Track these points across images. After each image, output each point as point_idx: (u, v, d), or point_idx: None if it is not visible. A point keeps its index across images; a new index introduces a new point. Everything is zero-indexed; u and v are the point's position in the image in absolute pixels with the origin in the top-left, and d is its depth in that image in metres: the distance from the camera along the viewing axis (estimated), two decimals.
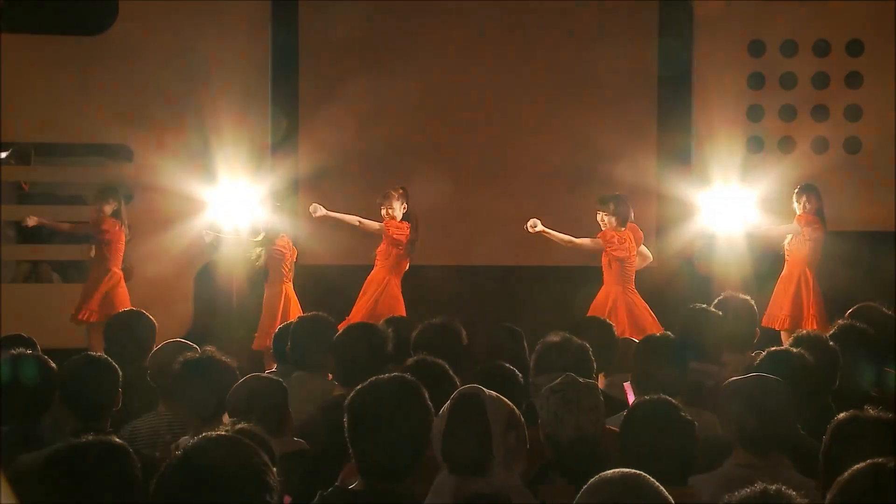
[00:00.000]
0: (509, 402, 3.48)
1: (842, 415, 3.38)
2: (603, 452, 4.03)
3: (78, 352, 4.81)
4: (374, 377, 3.37)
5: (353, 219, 8.80)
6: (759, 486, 2.61)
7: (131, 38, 10.29)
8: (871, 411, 3.37)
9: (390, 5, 10.56)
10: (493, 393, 3.45)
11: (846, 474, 2.71)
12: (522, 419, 3.48)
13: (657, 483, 2.74)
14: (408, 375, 3.52)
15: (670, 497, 2.74)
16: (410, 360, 4.35)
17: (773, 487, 2.62)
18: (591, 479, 2.75)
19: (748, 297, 6.20)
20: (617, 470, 2.77)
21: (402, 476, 3.25)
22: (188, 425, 4.55)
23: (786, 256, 9.13)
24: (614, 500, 2.69)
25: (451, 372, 4.20)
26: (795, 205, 9.05)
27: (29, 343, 5.31)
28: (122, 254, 9.18)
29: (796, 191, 9.11)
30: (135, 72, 10.26)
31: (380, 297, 8.71)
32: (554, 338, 4.96)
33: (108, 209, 9.13)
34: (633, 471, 2.77)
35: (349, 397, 3.32)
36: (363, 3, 10.45)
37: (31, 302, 9.67)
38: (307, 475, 4.08)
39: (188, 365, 4.64)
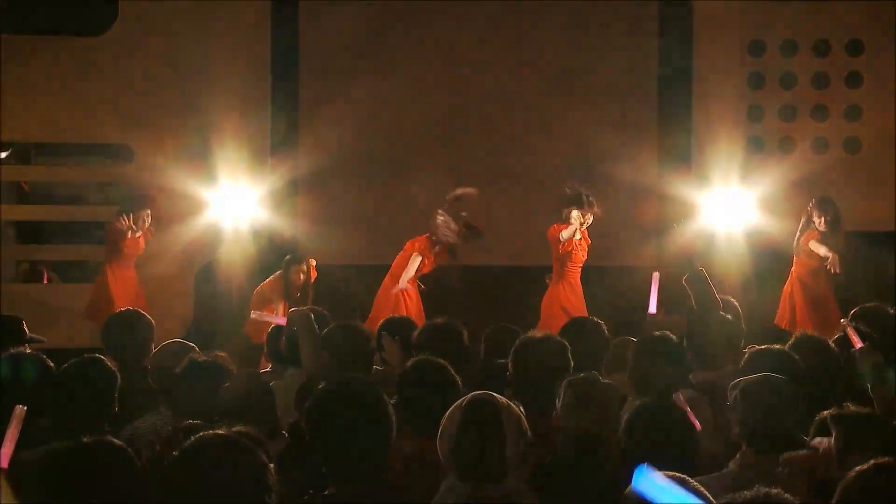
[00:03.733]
0: (517, 408, 3.43)
1: (825, 412, 3.42)
2: (604, 454, 4.00)
3: (77, 352, 4.80)
4: (321, 385, 3.35)
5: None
6: (757, 489, 2.61)
7: (131, 38, 10.28)
8: (851, 407, 3.40)
9: (390, 5, 10.55)
10: (504, 399, 3.40)
11: (850, 475, 2.71)
12: (526, 424, 3.41)
13: None
14: (358, 376, 3.50)
15: None
16: (411, 360, 4.34)
17: (774, 491, 2.61)
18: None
19: (730, 297, 6.16)
20: None
21: (370, 477, 3.20)
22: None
23: None
24: None
25: (452, 372, 4.19)
26: (815, 220, 8.99)
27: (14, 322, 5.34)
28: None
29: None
30: (135, 72, 10.26)
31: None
32: (536, 334, 4.94)
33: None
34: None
35: (305, 410, 3.30)
36: (363, 3, 10.45)
37: (31, 302, 9.64)
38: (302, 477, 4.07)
39: (192, 366, 4.63)
